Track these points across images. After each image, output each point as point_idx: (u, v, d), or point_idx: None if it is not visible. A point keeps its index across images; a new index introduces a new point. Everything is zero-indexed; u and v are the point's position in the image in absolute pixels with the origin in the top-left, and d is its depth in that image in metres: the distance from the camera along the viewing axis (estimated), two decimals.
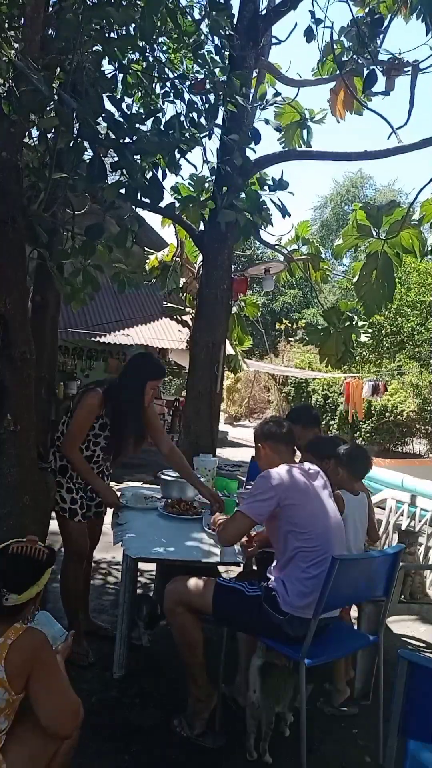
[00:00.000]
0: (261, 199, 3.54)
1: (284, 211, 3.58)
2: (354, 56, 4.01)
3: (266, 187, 3.52)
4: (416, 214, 4.51)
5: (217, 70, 3.51)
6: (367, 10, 4.01)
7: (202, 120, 3.18)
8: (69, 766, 1.74)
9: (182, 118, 3.11)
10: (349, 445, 3.07)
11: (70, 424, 2.96)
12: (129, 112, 3.05)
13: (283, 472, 2.37)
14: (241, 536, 2.49)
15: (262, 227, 3.93)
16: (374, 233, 4.52)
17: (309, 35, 3.86)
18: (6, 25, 2.86)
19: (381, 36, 4.11)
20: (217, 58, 3.53)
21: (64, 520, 3.01)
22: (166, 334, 10.69)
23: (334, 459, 2.93)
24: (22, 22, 2.65)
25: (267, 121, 3.67)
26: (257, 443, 2.61)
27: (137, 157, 2.79)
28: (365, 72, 4.03)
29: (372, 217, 4.48)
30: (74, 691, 1.72)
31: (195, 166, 3.67)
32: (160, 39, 3.56)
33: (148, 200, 3.14)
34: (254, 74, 4.14)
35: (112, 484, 3.21)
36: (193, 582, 2.44)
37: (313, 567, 2.28)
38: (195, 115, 3.17)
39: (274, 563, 2.46)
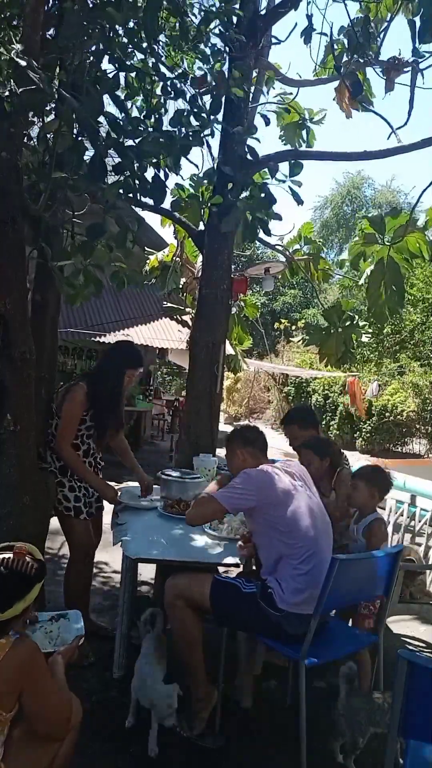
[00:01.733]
0: (268, 189, 3.48)
1: (299, 199, 3.55)
2: (354, 56, 4.00)
3: (276, 180, 3.49)
4: (421, 220, 4.51)
5: (217, 65, 3.50)
6: (362, 15, 4.01)
7: (204, 116, 3.17)
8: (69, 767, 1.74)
9: (185, 115, 3.10)
10: (373, 467, 3.05)
11: (60, 423, 2.98)
12: (130, 113, 3.05)
13: (264, 473, 2.41)
14: (205, 520, 2.55)
15: (266, 230, 3.91)
16: (379, 239, 4.52)
17: (307, 36, 3.85)
18: (7, 25, 2.86)
19: (380, 36, 4.11)
20: (220, 46, 3.50)
21: (69, 519, 3.02)
22: (166, 334, 10.69)
23: (364, 481, 2.91)
24: (22, 22, 2.64)
25: (265, 118, 3.66)
26: (234, 450, 2.59)
27: (139, 159, 2.78)
28: (365, 73, 4.05)
29: (376, 224, 4.49)
30: (73, 692, 1.71)
31: (197, 166, 3.62)
32: (161, 38, 3.55)
33: (150, 201, 3.14)
34: (254, 74, 4.14)
35: (111, 483, 3.22)
36: (193, 577, 2.48)
37: (303, 564, 2.30)
38: (197, 111, 3.16)
39: (264, 566, 2.47)
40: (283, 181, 3.42)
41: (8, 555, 1.63)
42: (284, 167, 3.57)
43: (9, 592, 1.57)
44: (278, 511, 2.34)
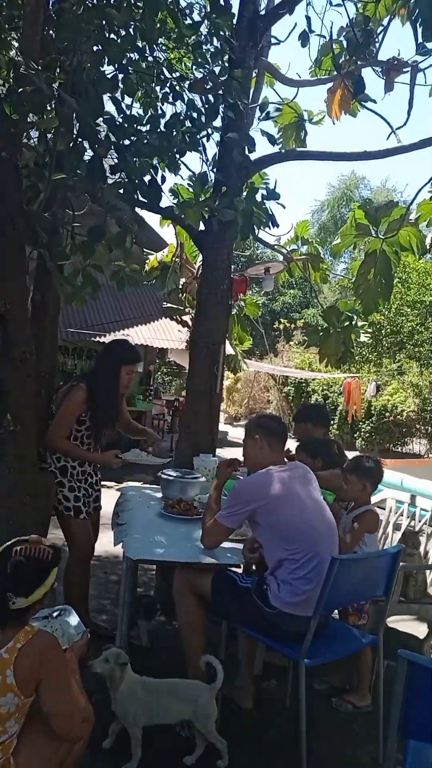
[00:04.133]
0: (260, 201, 3.53)
1: (274, 222, 3.61)
2: (353, 57, 4.00)
3: (258, 195, 3.53)
4: (413, 214, 4.52)
5: (216, 70, 3.50)
6: (359, 14, 4.01)
7: (202, 119, 3.18)
8: None
9: (182, 118, 3.11)
10: (365, 457, 3.05)
11: (55, 418, 3.02)
12: (129, 114, 3.05)
13: (256, 481, 2.46)
14: (221, 541, 2.59)
15: (263, 228, 3.92)
16: (373, 232, 4.53)
17: (304, 39, 3.86)
18: (6, 26, 2.86)
19: (380, 36, 4.11)
20: (217, 58, 3.52)
21: (69, 519, 3.03)
22: (166, 334, 10.70)
23: (355, 474, 2.94)
24: (22, 22, 2.65)
25: (265, 133, 3.68)
26: (253, 434, 2.61)
27: (137, 159, 2.78)
28: (362, 73, 4.06)
29: (371, 217, 4.49)
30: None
31: (193, 172, 3.62)
32: (160, 39, 3.55)
33: (146, 201, 3.14)
34: (254, 74, 4.14)
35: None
36: (199, 568, 2.56)
37: (302, 568, 2.31)
38: (195, 114, 3.17)
39: (268, 567, 2.49)
40: (267, 200, 3.45)
41: (24, 545, 1.70)
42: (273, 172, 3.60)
43: (31, 579, 1.64)
44: (273, 517, 2.37)
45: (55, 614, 1.96)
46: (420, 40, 3.51)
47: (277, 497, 2.38)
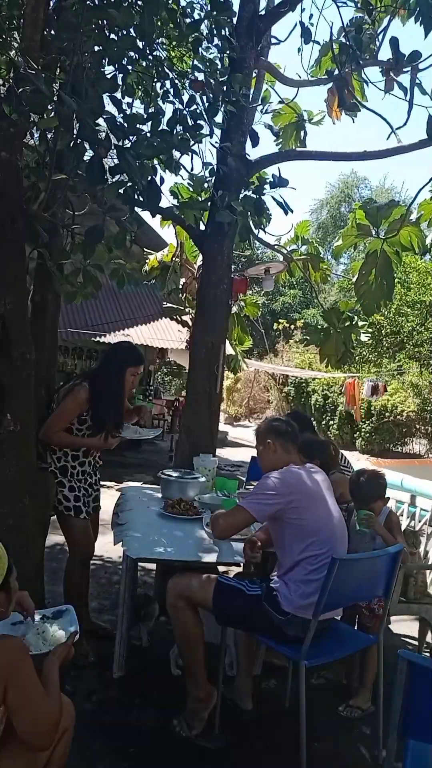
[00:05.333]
0: (261, 197, 3.54)
1: (286, 208, 3.60)
2: (345, 63, 4.00)
3: (267, 186, 3.53)
4: (414, 214, 4.53)
5: (217, 71, 3.50)
6: (359, 15, 4.02)
7: (201, 121, 3.19)
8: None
9: (183, 115, 3.12)
10: (366, 480, 3.04)
11: (53, 413, 3.01)
12: (129, 113, 3.05)
13: (290, 475, 2.37)
14: (236, 531, 2.47)
15: (261, 228, 3.94)
16: (373, 232, 4.54)
17: (306, 36, 3.86)
18: (6, 26, 2.86)
19: (380, 37, 4.12)
20: (217, 61, 3.52)
21: (69, 519, 3.03)
22: (166, 334, 10.71)
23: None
24: (22, 22, 2.64)
25: (268, 126, 3.69)
26: (264, 440, 2.55)
27: (137, 161, 2.78)
28: (361, 74, 4.07)
29: (371, 217, 4.50)
30: (72, 691, 1.68)
31: (189, 171, 3.62)
32: (160, 39, 3.55)
33: (146, 202, 3.15)
34: (254, 74, 4.14)
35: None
36: (195, 578, 2.46)
37: (316, 572, 2.27)
38: (194, 113, 3.17)
39: (278, 566, 2.46)
40: (275, 187, 3.46)
41: None
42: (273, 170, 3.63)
43: None
44: (302, 515, 2.31)
45: (51, 615, 1.91)
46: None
47: (310, 495, 2.34)
